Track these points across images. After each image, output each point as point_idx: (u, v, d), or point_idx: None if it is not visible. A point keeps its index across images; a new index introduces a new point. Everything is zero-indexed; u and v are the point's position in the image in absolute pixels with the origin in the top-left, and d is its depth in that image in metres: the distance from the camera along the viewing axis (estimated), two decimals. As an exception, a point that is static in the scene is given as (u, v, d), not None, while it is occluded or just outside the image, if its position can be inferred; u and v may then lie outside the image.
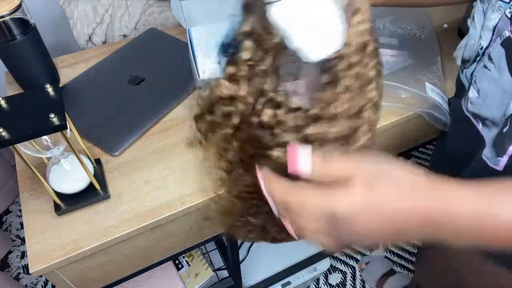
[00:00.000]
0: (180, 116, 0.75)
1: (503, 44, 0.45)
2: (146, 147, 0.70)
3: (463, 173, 0.59)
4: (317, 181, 0.32)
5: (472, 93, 0.53)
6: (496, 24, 0.46)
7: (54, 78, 0.79)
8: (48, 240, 0.59)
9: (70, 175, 0.61)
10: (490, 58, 0.48)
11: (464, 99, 0.56)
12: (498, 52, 0.46)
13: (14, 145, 0.51)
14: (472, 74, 0.54)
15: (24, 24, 0.68)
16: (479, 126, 0.54)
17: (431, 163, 0.86)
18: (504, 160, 0.51)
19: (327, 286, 1.38)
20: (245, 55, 0.33)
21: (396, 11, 0.86)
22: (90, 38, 0.98)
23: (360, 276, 1.40)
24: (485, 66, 0.49)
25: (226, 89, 0.35)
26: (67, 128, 0.51)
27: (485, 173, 0.54)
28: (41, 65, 0.75)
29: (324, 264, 1.27)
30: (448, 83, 0.77)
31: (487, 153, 0.54)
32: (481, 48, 0.50)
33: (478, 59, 0.52)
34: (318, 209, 0.32)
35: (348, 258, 1.44)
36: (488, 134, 0.53)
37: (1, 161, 1.39)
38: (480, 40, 0.50)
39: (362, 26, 0.32)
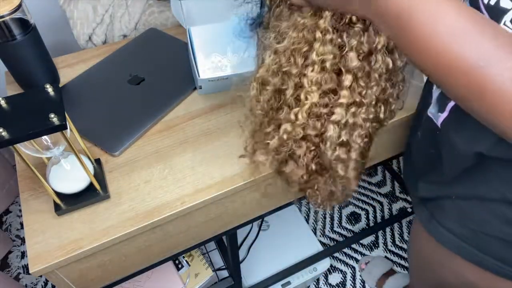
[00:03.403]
0: (180, 116, 0.75)
1: (471, 2, 0.46)
2: (146, 147, 0.70)
3: (419, 131, 0.64)
4: None
5: None
6: None
7: (54, 78, 0.79)
8: (48, 240, 0.59)
9: (70, 175, 0.61)
10: None
11: None
12: None
13: (14, 145, 0.51)
14: None
15: (24, 24, 0.68)
16: (433, 87, 0.58)
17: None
18: (443, 116, 0.53)
19: (327, 286, 1.38)
20: None
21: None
22: (90, 38, 0.98)
23: (360, 276, 1.40)
24: None
25: None
26: (67, 128, 0.51)
27: (431, 131, 0.58)
28: (41, 65, 0.75)
29: (324, 264, 1.27)
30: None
31: (431, 109, 0.57)
32: None
33: None
34: None
35: (348, 258, 1.44)
36: (435, 92, 0.56)
37: (1, 161, 1.39)
38: None
39: None
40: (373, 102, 0.50)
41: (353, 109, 0.50)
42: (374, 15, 0.40)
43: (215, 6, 0.81)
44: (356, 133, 0.51)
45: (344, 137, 0.51)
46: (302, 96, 0.50)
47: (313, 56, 0.47)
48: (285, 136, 0.52)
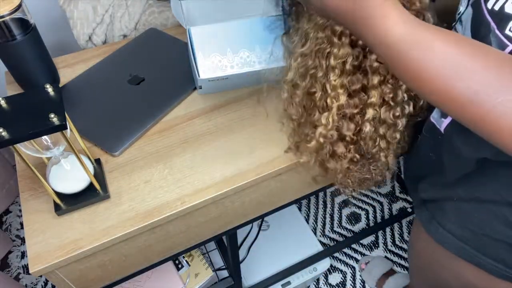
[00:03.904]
0: (180, 116, 0.75)
1: (472, 4, 0.46)
2: (146, 147, 0.70)
3: (419, 134, 0.64)
4: None
5: None
6: None
7: (54, 78, 0.79)
8: (48, 240, 0.59)
9: (70, 175, 0.61)
10: (460, 20, 0.49)
11: None
12: (467, 12, 0.47)
13: (14, 145, 0.51)
14: None
15: (24, 24, 0.68)
16: None
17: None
18: (446, 121, 0.53)
19: (327, 286, 1.38)
20: None
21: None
22: (90, 38, 0.98)
23: (360, 276, 1.40)
24: (455, 29, 0.51)
25: None
26: (67, 128, 0.51)
27: (432, 136, 0.57)
28: (41, 65, 0.75)
29: (324, 264, 1.27)
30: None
31: (434, 114, 0.57)
32: (458, 14, 0.51)
33: (453, 24, 0.53)
34: None
35: (348, 258, 1.44)
36: None
37: (1, 161, 1.39)
38: (460, 6, 0.51)
39: None
40: (405, 99, 0.51)
41: (384, 108, 0.51)
42: (372, 43, 0.40)
43: (215, 6, 0.81)
44: (392, 130, 0.54)
45: (382, 131, 0.54)
46: (329, 101, 0.51)
47: (331, 60, 0.48)
48: (321, 140, 0.55)
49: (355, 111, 0.52)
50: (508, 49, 0.40)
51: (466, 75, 0.34)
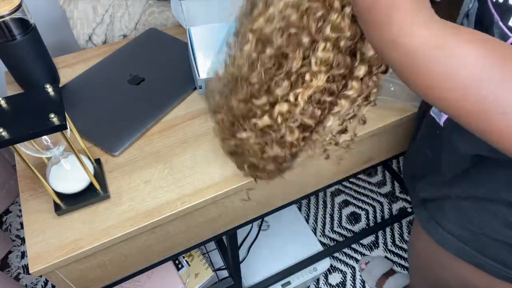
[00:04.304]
0: (180, 116, 0.75)
1: (479, 0, 0.46)
2: (146, 147, 0.70)
3: (420, 130, 0.63)
4: None
5: None
6: None
7: (54, 78, 0.79)
8: (48, 240, 0.59)
9: (70, 175, 0.61)
10: (467, 15, 0.49)
11: None
12: (474, 7, 0.47)
13: (14, 145, 0.51)
14: None
15: (24, 24, 0.68)
16: None
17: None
18: (445, 115, 0.52)
19: (327, 286, 1.38)
20: None
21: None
22: (90, 38, 0.98)
23: (360, 276, 1.40)
24: (462, 24, 0.50)
25: None
26: (67, 128, 0.51)
27: (430, 132, 0.57)
28: (41, 65, 0.75)
29: (324, 264, 1.27)
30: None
31: (434, 109, 0.57)
32: (468, 9, 0.51)
33: (462, 20, 0.53)
34: None
35: (348, 258, 1.44)
36: None
37: (1, 161, 1.39)
38: (470, 3, 0.51)
39: None
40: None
41: (358, 102, 0.44)
42: (385, 40, 0.34)
43: (215, 6, 0.81)
44: (355, 121, 0.48)
45: (344, 125, 0.48)
46: (307, 77, 0.41)
47: (327, 30, 0.38)
48: (279, 119, 0.44)
49: (328, 99, 0.43)
50: (510, 40, 0.40)
51: (490, 79, 0.31)
